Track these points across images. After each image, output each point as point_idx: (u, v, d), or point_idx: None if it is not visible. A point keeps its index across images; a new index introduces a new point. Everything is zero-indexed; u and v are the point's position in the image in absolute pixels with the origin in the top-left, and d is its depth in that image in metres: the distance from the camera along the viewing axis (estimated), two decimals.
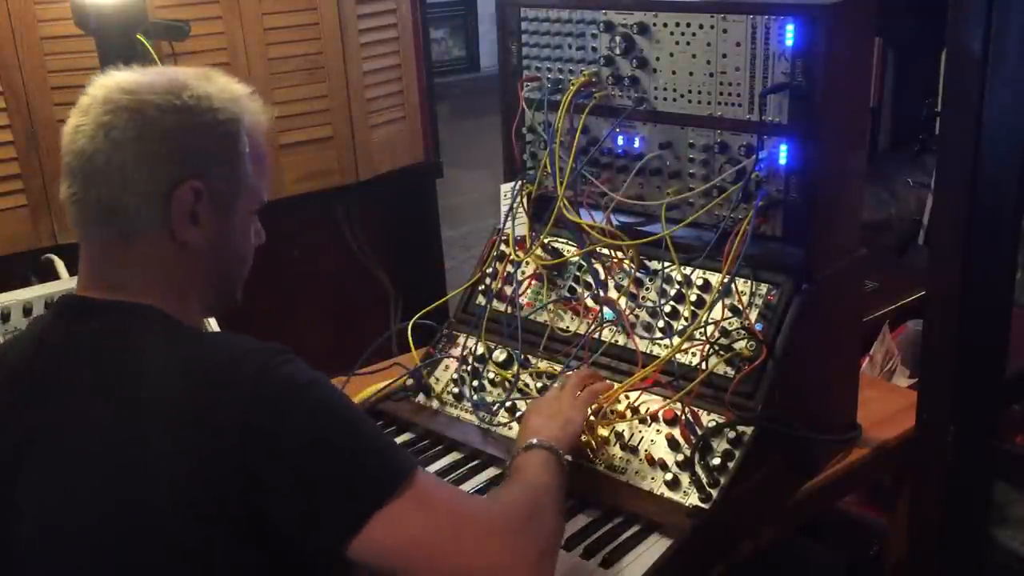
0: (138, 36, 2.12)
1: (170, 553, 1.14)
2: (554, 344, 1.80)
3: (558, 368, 1.76)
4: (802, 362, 1.62)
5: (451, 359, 1.89)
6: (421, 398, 1.88)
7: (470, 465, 1.73)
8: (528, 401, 1.75)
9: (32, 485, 1.20)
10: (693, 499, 1.53)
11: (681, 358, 1.66)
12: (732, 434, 1.56)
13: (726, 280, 1.61)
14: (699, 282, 1.69)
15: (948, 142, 1.57)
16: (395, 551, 1.16)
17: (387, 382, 1.92)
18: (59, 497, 1.18)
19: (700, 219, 1.68)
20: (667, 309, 1.70)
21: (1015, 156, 1.51)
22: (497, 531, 1.19)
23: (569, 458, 1.46)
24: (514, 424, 1.76)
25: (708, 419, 1.59)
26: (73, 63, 2.31)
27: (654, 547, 1.49)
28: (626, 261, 1.77)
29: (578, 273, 1.83)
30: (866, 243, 1.79)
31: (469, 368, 1.85)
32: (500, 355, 1.84)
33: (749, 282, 1.64)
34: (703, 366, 1.61)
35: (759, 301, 1.64)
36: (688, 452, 1.57)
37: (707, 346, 1.62)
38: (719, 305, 1.64)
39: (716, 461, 1.54)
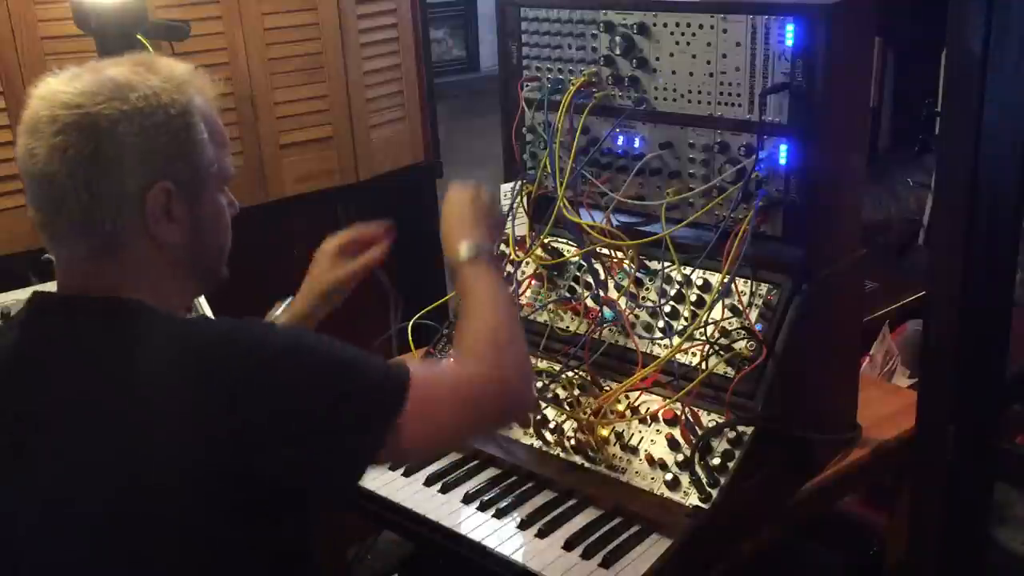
0: (138, 36, 2.13)
1: (172, 533, 1.16)
2: (554, 344, 1.80)
3: (558, 368, 1.76)
4: (802, 362, 1.62)
5: (451, 359, 1.89)
6: None
7: (470, 465, 1.73)
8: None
9: (32, 473, 1.20)
10: (693, 499, 1.53)
11: (681, 358, 1.66)
12: (732, 434, 1.56)
13: (726, 280, 1.61)
14: (699, 282, 1.69)
15: (948, 142, 1.57)
16: (418, 447, 1.30)
17: None
18: (61, 483, 1.19)
19: (700, 219, 1.68)
20: (667, 309, 1.70)
21: (1015, 156, 1.51)
22: (487, 378, 1.33)
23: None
24: (513, 424, 1.76)
25: (708, 419, 1.59)
26: (73, 63, 2.30)
27: (654, 547, 1.49)
28: (626, 261, 1.77)
29: (578, 273, 1.83)
30: (866, 243, 1.79)
31: None
32: None
33: (749, 282, 1.64)
34: (703, 366, 1.61)
35: (759, 301, 1.64)
36: (688, 452, 1.57)
37: (707, 346, 1.62)
38: (719, 305, 1.64)
39: (716, 461, 1.54)
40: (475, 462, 1.74)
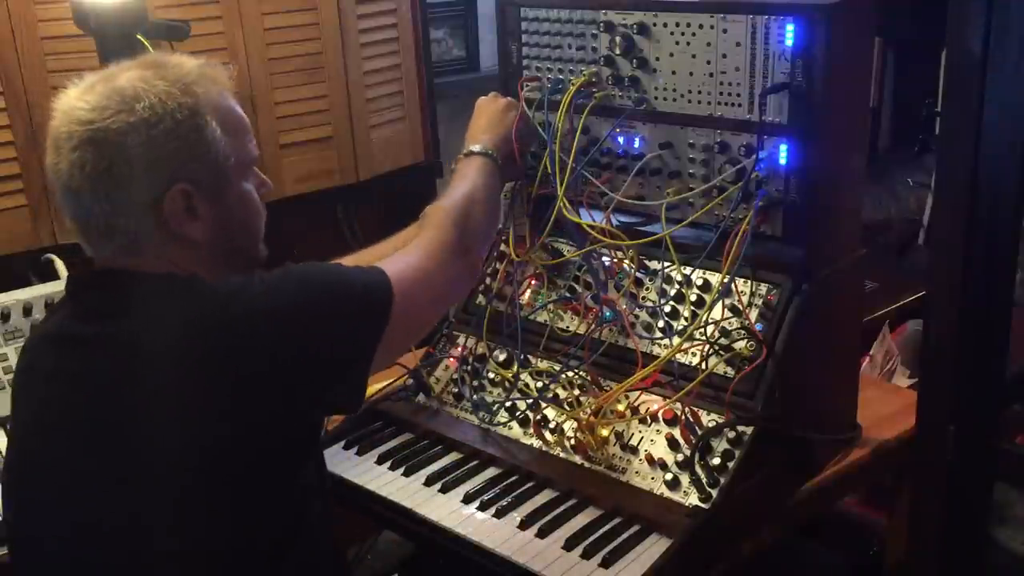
0: (138, 36, 2.13)
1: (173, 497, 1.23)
2: (554, 344, 1.80)
3: (558, 368, 1.76)
4: (802, 362, 1.62)
5: (451, 359, 1.89)
6: (421, 398, 1.88)
7: (470, 465, 1.73)
8: (528, 401, 1.76)
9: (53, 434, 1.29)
10: (693, 499, 1.53)
11: (681, 358, 1.66)
12: (732, 434, 1.56)
13: (726, 280, 1.61)
14: (699, 282, 1.69)
15: (948, 142, 1.57)
16: (399, 350, 1.46)
17: (387, 382, 1.92)
18: (75, 453, 1.26)
19: (700, 219, 1.68)
20: (667, 309, 1.70)
21: (1015, 156, 1.51)
22: (445, 252, 1.48)
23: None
24: (514, 424, 1.76)
25: (708, 419, 1.59)
26: (73, 63, 2.31)
27: (654, 547, 1.49)
28: (626, 261, 1.77)
29: (578, 273, 1.83)
30: (866, 243, 1.79)
31: (469, 368, 1.85)
32: (500, 355, 1.84)
33: (749, 282, 1.64)
34: (703, 366, 1.61)
35: (759, 301, 1.63)
36: (688, 452, 1.57)
37: (707, 346, 1.62)
38: (719, 305, 1.64)
39: (716, 461, 1.54)
40: (475, 462, 1.73)
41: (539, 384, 1.77)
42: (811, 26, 1.51)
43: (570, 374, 1.74)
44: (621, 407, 1.67)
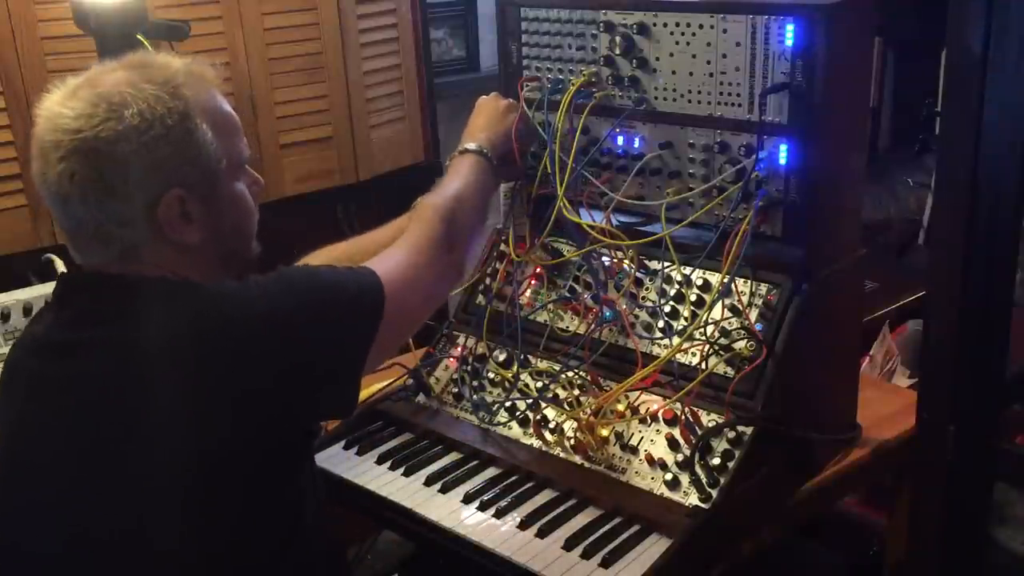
0: (138, 36, 2.13)
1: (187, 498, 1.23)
2: (554, 344, 1.80)
3: (558, 368, 1.76)
4: (802, 362, 1.62)
5: (451, 359, 1.89)
6: (421, 398, 1.88)
7: (470, 465, 1.73)
8: (528, 401, 1.75)
9: (46, 434, 1.27)
10: (693, 499, 1.53)
11: (681, 358, 1.66)
12: (732, 434, 1.56)
13: (726, 280, 1.61)
14: (699, 282, 1.69)
15: (948, 142, 1.57)
16: (390, 349, 1.48)
17: (387, 382, 1.92)
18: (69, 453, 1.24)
19: (700, 219, 1.68)
20: (667, 309, 1.70)
21: (1015, 156, 1.51)
22: (432, 248, 1.50)
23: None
24: (514, 424, 1.76)
25: (708, 419, 1.59)
26: (73, 63, 2.30)
27: (654, 547, 1.49)
28: (626, 261, 1.77)
29: (578, 273, 1.83)
30: (866, 243, 1.79)
31: (469, 368, 1.85)
32: (500, 355, 1.84)
33: (749, 282, 1.64)
34: (703, 366, 1.61)
35: (759, 301, 1.63)
36: (688, 452, 1.57)
37: (707, 346, 1.62)
38: (719, 305, 1.64)
39: (716, 461, 1.54)
40: (475, 462, 1.73)
41: (539, 384, 1.77)
42: (811, 26, 1.51)
43: (570, 374, 1.74)
44: (621, 407, 1.67)
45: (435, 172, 3.18)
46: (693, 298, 1.68)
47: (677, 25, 1.66)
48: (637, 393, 1.66)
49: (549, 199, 1.79)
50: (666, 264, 1.71)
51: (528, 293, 1.88)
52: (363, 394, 1.90)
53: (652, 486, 1.58)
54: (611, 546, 1.50)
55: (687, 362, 1.66)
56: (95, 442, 1.23)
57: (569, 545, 1.50)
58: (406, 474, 1.72)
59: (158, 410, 1.20)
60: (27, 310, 1.99)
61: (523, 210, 1.86)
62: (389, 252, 1.48)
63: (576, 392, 1.73)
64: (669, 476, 1.57)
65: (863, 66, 1.72)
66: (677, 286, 1.70)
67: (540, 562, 1.48)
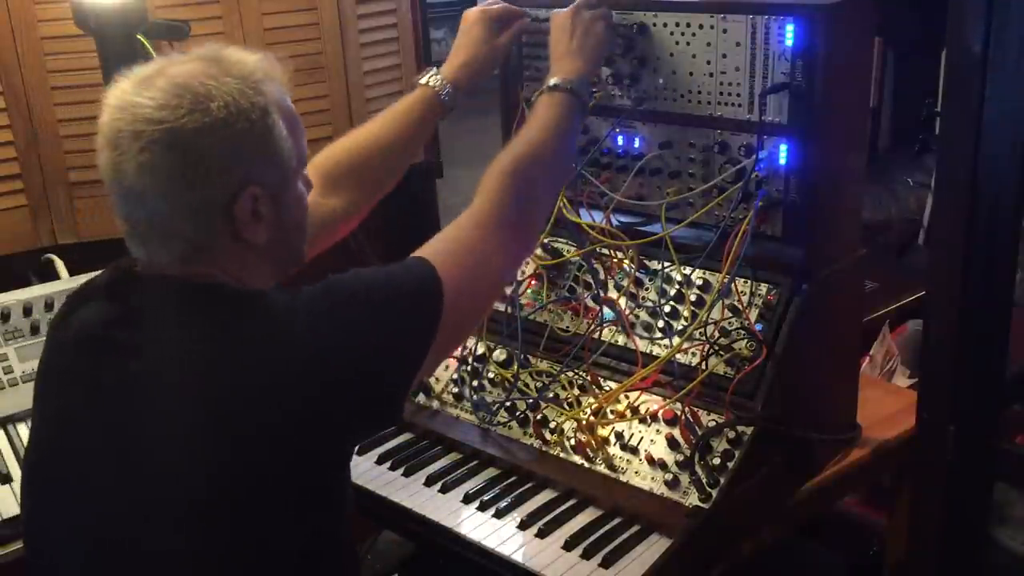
0: (138, 36, 2.13)
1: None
2: (554, 344, 1.80)
3: (558, 368, 1.76)
4: (802, 362, 1.62)
5: (451, 359, 1.89)
6: (421, 398, 1.88)
7: (470, 465, 1.73)
8: (528, 401, 1.75)
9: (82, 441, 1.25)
10: (693, 499, 1.53)
11: (681, 358, 1.66)
12: (732, 434, 1.56)
13: (726, 280, 1.61)
14: (699, 282, 1.69)
15: (948, 142, 1.57)
16: (451, 347, 1.43)
17: None
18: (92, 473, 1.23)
19: (700, 219, 1.68)
20: (667, 309, 1.70)
21: (1015, 156, 1.51)
22: (501, 228, 1.38)
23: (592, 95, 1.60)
24: (514, 424, 1.76)
25: (708, 419, 1.59)
26: (73, 63, 2.31)
27: (654, 547, 1.49)
28: (626, 261, 1.77)
29: (578, 273, 1.83)
30: (866, 243, 1.79)
31: (469, 368, 1.85)
32: (500, 355, 1.84)
33: (749, 282, 1.64)
34: (703, 366, 1.61)
35: (759, 301, 1.63)
36: (688, 452, 1.57)
37: (707, 346, 1.62)
38: (719, 305, 1.64)
39: (716, 461, 1.54)
40: (475, 462, 1.73)
41: (539, 384, 1.77)
42: (811, 26, 1.51)
43: (570, 374, 1.74)
44: (621, 407, 1.67)
45: (435, 172, 3.20)
46: (693, 298, 1.68)
47: (677, 25, 1.66)
48: (637, 393, 1.66)
49: None
50: (666, 264, 1.71)
51: (528, 293, 1.88)
52: None
53: (652, 486, 1.58)
54: (611, 546, 1.50)
55: (687, 362, 1.66)
56: (136, 449, 1.20)
57: (569, 545, 1.50)
58: (406, 474, 1.72)
59: (202, 424, 1.17)
60: (27, 310, 1.99)
61: None
62: (447, 234, 1.37)
63: (576, 392, 1.73)
64: (669, 476, 1.57)
65: (863, 66, 1.72)
66: (677, 286, 1.70)
67: (540, 562, 1.48)
